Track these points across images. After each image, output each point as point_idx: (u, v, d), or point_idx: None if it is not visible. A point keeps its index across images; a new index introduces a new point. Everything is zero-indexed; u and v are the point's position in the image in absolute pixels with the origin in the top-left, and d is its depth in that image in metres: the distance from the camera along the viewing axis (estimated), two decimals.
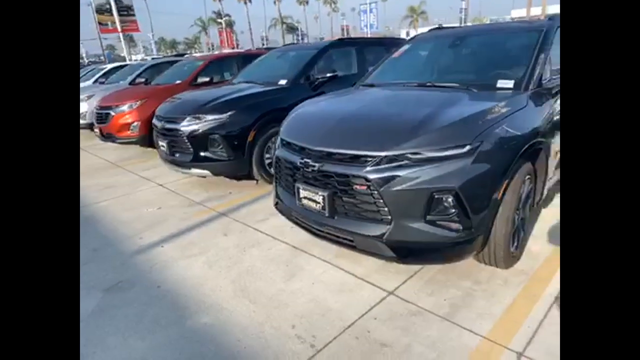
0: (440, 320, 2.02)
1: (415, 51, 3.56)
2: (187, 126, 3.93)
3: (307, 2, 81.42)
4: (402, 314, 2.09)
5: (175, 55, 18.73)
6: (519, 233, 2.44)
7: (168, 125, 4.11)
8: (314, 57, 4.69)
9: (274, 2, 73.08)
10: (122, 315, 2.22)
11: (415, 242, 2.05)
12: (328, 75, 4.45)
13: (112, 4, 16.52)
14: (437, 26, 4.22)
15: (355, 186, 2.12)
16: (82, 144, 7.10)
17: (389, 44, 5.11)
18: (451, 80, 2.80)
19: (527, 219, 2.55)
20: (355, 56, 5.12)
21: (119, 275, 2.64)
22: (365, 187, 2.08)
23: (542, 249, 2.63)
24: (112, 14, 16.85)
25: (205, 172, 4.02)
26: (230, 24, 72.19)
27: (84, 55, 59.50)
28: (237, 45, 70.72)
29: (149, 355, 1.92)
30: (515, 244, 2.36)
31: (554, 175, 2.76)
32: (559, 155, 2.74)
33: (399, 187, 1.98)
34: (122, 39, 18.14)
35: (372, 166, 2.05)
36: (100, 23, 17.21)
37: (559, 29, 2.94)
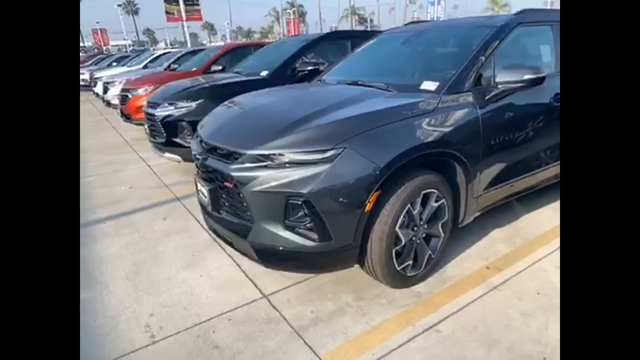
0: (290, 332, 1.92)
1: (375, 47, 3.32)
2: (162, 112, 4.11)
3: None
4: (257, 320, 2.01)
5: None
6: (421, 252, 2.21)
7: (149, 110, 4.33)
8: (301, 49, 4.61)
9: None
10: None
11: (274, 246, 1.95)
12: (309, 68, 4.34)
13: None
14: (411, 20, 3.89)
15: (225, 183, 2.07)
16: (114, 123, 7.78)
17: None
18: (383, 80, 2.57)
19: (442, 237, 2.30)
20: (350, 49, 4.92)
21: None
22: (232, 185, 2.02)
23: (461, 272, 2.35)
24: (178, 4, 18.07)
25: (176, 157, 4.18)
26: (302, 14, 73.50)
27: (168, 42, 64.73)
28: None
29: None
30: (408, 263, 2.14)
31: (487, 192, 2.43)
32: (497, 169, 2.41)
33: (258, 188, 1.90)
34: (190, 28, 19.34)
35: (237, 164, 1.98)
36: (167, 12, 18.57)
37: (519, 26, 2.57)
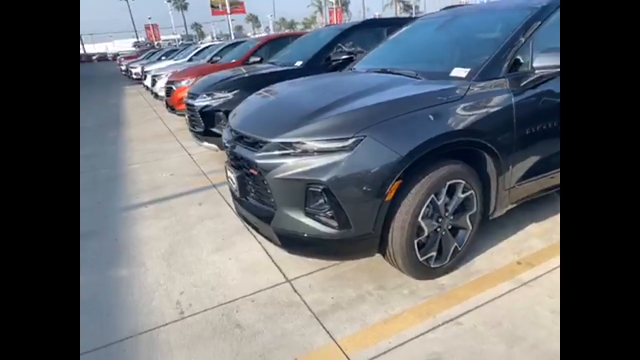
0: (309, 317, 1.96)
1: (409, 33, 3.23)
2: (200, 102, 4.28)
3: None
4: (279, 303, 2.08)
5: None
6: (447, 244, 2.16)
7: (189, 100, 4.53)
8: (335, 38, 4.59)
9: None
10: None
11: (296, 232, 2.00)
12: (343, 57, 4.32)
13: None
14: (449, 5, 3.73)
15: (251, 170, 2.14)
16: (160, 114, 8.21)
17: None
18: (413, 67, 2.50)
19: (470, 230, 2.23)
20: (386, 37, 4.81)
21: (97, 225, 3.15)
22: (257, 172, 2.09)
23: (490, 266, 2.27)
24: None
25: (214, 146, 4.35)
26: (344, 4, 72.63)
27: (214, 35, 66.80)
28: None
29: None
30: (431, 254, 2.10)
31: (521, 185, 2.31)
32: (532, 161, 2.28)
33: (280, 175, 1.94)
34: (233, 20, 19.85)
35: (262, 152, 2.04)
36: (212, 6, 19.14)
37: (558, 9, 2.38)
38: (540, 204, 2.81)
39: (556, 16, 2.35)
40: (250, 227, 2.46)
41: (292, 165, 1.91)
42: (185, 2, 78.92)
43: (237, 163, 2.31)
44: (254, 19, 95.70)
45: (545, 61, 2.11)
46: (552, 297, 1.98)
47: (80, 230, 3.04)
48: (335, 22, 47.99)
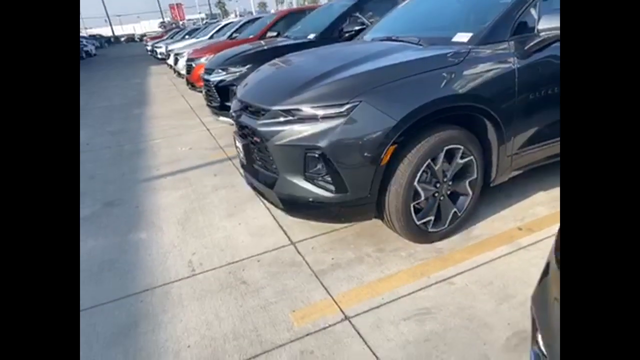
0: (309, 275, 2.09)
1: (417, 1, 3.17)
2: (216, 77, 4.39)
3: None
4: (283, 262, 2.21)
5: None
6: (445, 209, 2.21)
7: (205, 76, 4.65)
8: (347, 10, 4.54)
9: None
10: (98, 223, 2.91)
11: (297, 196, 2.10)
12: (356, 28, 4.27)
13: None
14: None
15: (255, 138, 2.24)
16: (182, 92, 8.42)
17: None
18: (419, 35, 2.49)
19: (470, 196, 2.26)
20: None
21: (120, 194, 3.37)
22: (259, 140, 2.18)
23: (490, 231, 2.31)
24: None
25: (229, 120, 4.46)
26: None
27: (238, 13, 66.38)
28: None
29: (91, 250, 2.52)
30: (429, 218, 2.16)
31: (524, 151, 2.30)
32: (537, 126, 2.26)
33: (280, 142, 2.03)
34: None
35: (263, 119, 2.13)
36: None
37: None
38: (549, 173, 2.78)
39: None
40: (258, 194, 2.58)
41: (291, 132, 1.99)
42: None
43: (243, 132, 2.41)
44: None
45: (550, 22, 2.05)
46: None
47: (105, 199, 3.28)
48: None
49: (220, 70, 4.37)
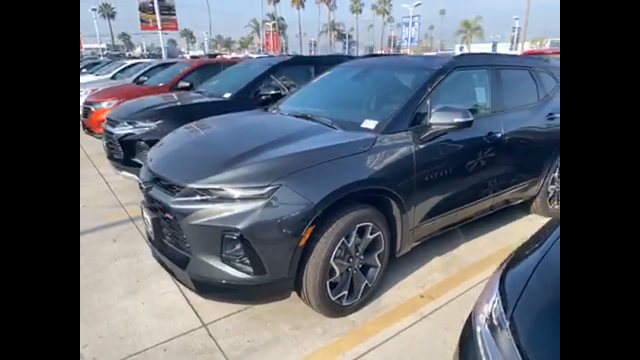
0: None
1: (330, 79, 3.48)
2: (120, 130, 4.11)
3: (360, 11, 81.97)
4: (193, 350, 2.06)
5: (209, 55, 19.60)
6: (358, 282, 2.32)
7: (107, 127, 4.31)
8: (264, 73, 4.73)
9: (329, 9, 74.20)
10: None
11: (212, 278, 2.01)
12: (272, 92, 4.46)
13: (155, 3, 17.58)
14: (370, 53, 4.10)
15: (166, 214, 2.13)
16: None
17: None
18: (331, 114, 2.71)
19: (379, 267, 2.42)
20: (314, 74, 5.08)
21: None
22: (172, 217, 2.08)
23: (397, 300, 2.47)
24: (154, 12, 17.94)
25: (133, 176, 4.16)
26: (282, 27, 74.26)
27: (145, 47, 63.54)
28: (285, 48, 72.36)
29: None
30: (343, 293, 2.24)
31: (423, 224, 2.58)
32: (431, 202, 2.57)
33: (196, 222, 1.96)
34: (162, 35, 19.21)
35: (178, 197, 2.05)
36: (142, 20, 18.39)
37: (457, 70, 2.78)
38: (445, 239, 3.14)
39: (451, 77, 2.72)
40: (167, 270, 2.40)
41: (208, 212, 1.95)
42: (113, 10, 74.61)
43: (153, 205, 2.27)
44: (188, 35, 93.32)
45: (439, 118, 2.42)
46: (447, 329, 2.22)
47: None
48: (272, 45, 48.77)
49: (126, 124, 4.10)
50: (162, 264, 2.35)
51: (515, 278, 1.00)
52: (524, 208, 3.71)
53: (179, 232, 2.07)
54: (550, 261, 0.97)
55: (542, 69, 3.59)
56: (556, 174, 3.62)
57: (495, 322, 0.94)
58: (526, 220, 3.69)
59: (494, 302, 0.99)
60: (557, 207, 3.80)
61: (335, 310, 2.25)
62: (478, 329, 1.00)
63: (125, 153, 4.10)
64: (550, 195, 3.66)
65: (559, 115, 3.47)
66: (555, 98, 3.55)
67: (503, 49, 44.79)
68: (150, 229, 2.32)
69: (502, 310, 0.93)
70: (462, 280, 2.71)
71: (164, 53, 19.43)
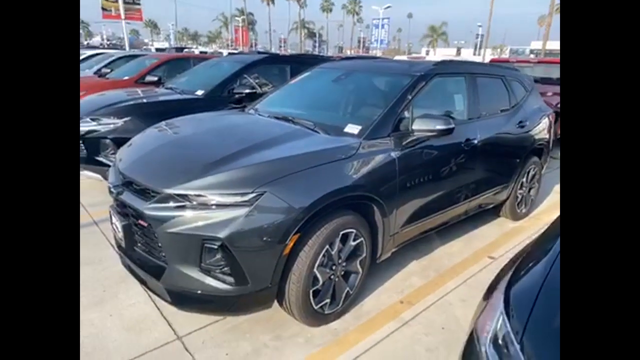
0: None
1: (310, 80, 3.42)
2: (83, 127, 3.83)
3: (330, 10, 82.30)
4: None
5: (176, 49, 18.87)
6: (339, 289, 2.28)
7: None
8: (239, 71, 4.59)
9: (300, 6, 73.75)
10: None
11: (190, 289, 1.90)
12: (246, 91, 4.34)
13: None
14: (349, 55, 4.09)
15: (140, 221, 1.99)
16: None
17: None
18: (312, 117, 2.65)
19: (360, 274, 2.39)
20: (289, 74, 5.00)
21: None
22: (146, 224, 1.94)
23: (377, 306, 2.46)
24: (116, 1, 17.04)
25: (97, 175, 3.91)
26: (251, 23, 73.07)
27: (105, 36, 60.29)
28: (254, 44, 71.33)
29: None
30: (325, 301, 2.20)
31: (403, 230, 2.59)
32: (414, 209, 2.58)
33: (173, 230, 1.84)
34: (126, 26, 18.29)
35: (153, 203, 1.92)
36: (103, 8, 17.40)
37: (437, 76, 2.80)
38: (422, 243, 3.17)
39: (431, 84, 2.74)
40: (137, 279, 2.25)
41: (186, 219, 1.84)
42: None
43: (124, 211, 2.12)
44: (152, 25, 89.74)
45: (421, 125, 2.43)
46: (427, 334, 2.24)
47: None
48: (240, 41, 47.86)
49: (89, 120, 3.84)
50: (133, 272, 2.20)
51: (521, 296, 1.00)
52: (494, 212, 3.83)
53: (154, 240, 1.94)
54: (557, 279, 0.98)
55: (514, 78, 3.72)
56: (524, 179, 3.77)
57: (501, 343, 0.93)
58: (495, 225, 3.81)
59: (497, 321, 0.98)
60: (525, 210, 3.96)
61: (317, 319, 2.20)
62: (483, 349, 0.99)
63: (88, 151, 3.84)
64: (518, 199, 3.80)
65: (528, 123, 3.61)
66: (525, 106, 3.69)
67: (467, 54, 46.59)
68: (120, 236, 2.17)
69: (509, 330, 0.92)
70: (440, 285, 2.74)
71: (127, 44, 18.51)
